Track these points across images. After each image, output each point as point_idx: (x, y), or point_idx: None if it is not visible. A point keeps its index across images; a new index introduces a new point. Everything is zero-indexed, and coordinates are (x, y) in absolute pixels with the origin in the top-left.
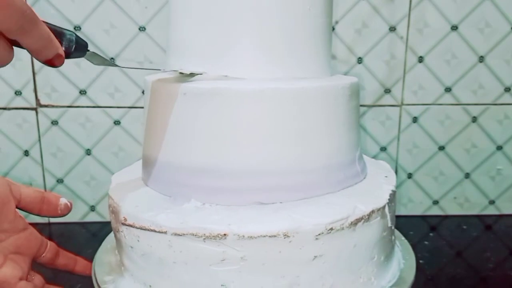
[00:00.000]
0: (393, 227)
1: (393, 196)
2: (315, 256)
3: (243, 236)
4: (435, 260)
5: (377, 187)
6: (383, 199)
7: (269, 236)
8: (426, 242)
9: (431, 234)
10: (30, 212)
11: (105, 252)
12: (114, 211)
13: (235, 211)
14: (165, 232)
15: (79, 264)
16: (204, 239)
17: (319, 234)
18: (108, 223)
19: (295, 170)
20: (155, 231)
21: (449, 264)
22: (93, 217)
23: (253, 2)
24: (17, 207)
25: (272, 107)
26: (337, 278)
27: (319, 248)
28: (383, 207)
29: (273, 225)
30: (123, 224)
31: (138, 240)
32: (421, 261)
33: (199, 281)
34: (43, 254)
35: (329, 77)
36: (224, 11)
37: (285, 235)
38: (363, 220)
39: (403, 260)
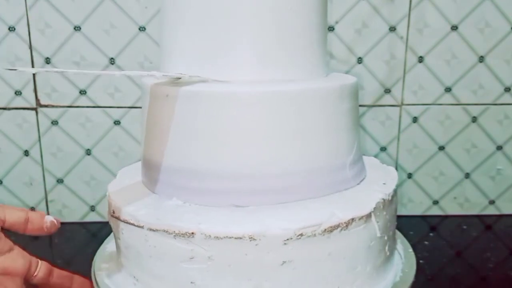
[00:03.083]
0: (386, 237)
1: (384, 205)
2: (284, 262)
3: (210, 236)
4: (435, 260)
5: (367, 194)
6: (368, 207)
7: (235, 238)
8: (426, 242)
9: (431, 234)
10: (15, 231)
11: (111, 242)
12: (108, 204)
13: (209, 212)
14: (142, 227)
15: (76, 282)
16: (175, 236)
17: (287, 239)
18: (108, 223)
19: (274, 174)
20: (134, 225)
21: (449, 264)
22: (93, 217)
23: (247, 5)
24: (2, 229)
25: (251, 109)
26: (310, 286)
27: (288, 253)
28: (368, 216)
29: (240, 227)
30: (112, 216)
31: (122, 233)
32: (421, 261)
33: (171, 276)
34: (35, 274)
35: (322, 78)
36: (217, 14)
37: (251, 238)
38: (340, 228)
39: (401, 273)
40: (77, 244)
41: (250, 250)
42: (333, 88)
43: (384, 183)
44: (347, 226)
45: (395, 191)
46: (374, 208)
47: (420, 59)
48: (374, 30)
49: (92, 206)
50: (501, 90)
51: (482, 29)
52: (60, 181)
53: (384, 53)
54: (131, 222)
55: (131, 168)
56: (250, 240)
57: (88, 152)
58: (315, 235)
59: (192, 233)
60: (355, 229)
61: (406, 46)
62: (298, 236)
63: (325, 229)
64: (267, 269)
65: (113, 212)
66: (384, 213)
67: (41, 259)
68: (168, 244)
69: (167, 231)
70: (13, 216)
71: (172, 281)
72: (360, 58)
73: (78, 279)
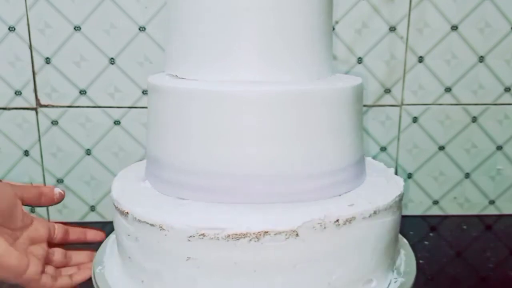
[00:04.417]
0: (332, 265)
1: (324, 227)
2: (188, 258)
3: (135, 218)
4: (435, 260)
5: (310, 210)
6: (290, 224)
7: (150, 224)
8: (426, 242)
9: (431, 234)
10: (32, 205)
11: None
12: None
13: (155, 198)
14: (113, 203)
15: (89, 234)
16: (120, 214)
17: (190, 236)
18: (108, 223)
19: (218, 173)
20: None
21: (449, 264)
22: (93, 217)
23: (250, 5)
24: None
25: (212, 108)
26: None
27: (192, 250)
28: (290, 233)
29: (156, 216)
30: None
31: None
32: (421, 261)
33: (120, 248)
34: (54, 236)
35: (326, 79)
36: (220, 14)
37: (161, 227)
38: (248, 238)
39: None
40: (77, 244)
41: (161, 239)
42: (313, 93)
43: (350, 205)
44: (257, 238)
45: (368, 215)
46: (299, 227)
47: (420, 59)
48: (374, 30)
49: (92, 206)
50: (501, 90)
51: (482, 29)
52: (60, 181)
53: (384, 53)
54: (111, 196)
55: None
56: (160, 230)
57: (88, 152)
58: (218, 238)
59: (127, 212)
60: (270, 243)
61: (406, 46)
62: (200, 235)
63: (229, 235)
64: (175, 261)
65: (111, 190)
66: (329, 236)
67: (55, 222)
68: (119, 219)
69: (116, 207)
70: (29, 192)
71: (121, 252)
72: (360, 58)
73: (90, 231)
